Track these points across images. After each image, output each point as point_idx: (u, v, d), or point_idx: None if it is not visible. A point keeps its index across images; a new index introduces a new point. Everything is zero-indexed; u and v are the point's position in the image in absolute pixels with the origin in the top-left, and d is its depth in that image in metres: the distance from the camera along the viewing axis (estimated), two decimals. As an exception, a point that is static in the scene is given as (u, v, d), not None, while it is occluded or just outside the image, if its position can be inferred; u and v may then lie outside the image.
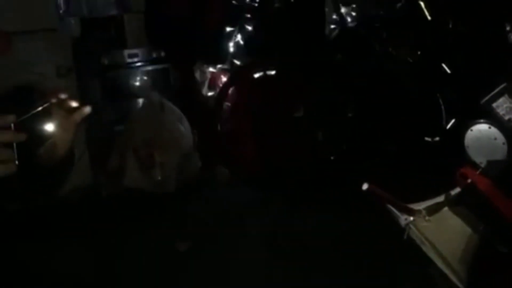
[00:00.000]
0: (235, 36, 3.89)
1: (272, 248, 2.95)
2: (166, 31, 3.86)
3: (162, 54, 3.90)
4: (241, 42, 3.90)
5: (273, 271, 2.75)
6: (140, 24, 3.76)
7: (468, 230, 1.50)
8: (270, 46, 3.83)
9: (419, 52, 3.47)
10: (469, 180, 1.51)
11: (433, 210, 1.53)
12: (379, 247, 2.72)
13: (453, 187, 1.62)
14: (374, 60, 3.64)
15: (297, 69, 3.80)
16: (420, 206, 1.54)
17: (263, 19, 3.90)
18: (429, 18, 3.33)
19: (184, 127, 3.75)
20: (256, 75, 3.79)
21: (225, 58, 3.93)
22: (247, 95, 3.79)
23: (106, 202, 3.58)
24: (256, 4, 3.91)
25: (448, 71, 3.27)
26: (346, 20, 3.82)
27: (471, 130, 1.55)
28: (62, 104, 1.16)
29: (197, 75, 3.97)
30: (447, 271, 1.51)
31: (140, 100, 3.83)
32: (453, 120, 3.23)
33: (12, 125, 1.03)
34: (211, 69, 3.97)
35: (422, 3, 3.32)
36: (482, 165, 1.56)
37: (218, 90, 3.90)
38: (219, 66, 3.95)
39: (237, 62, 3.89)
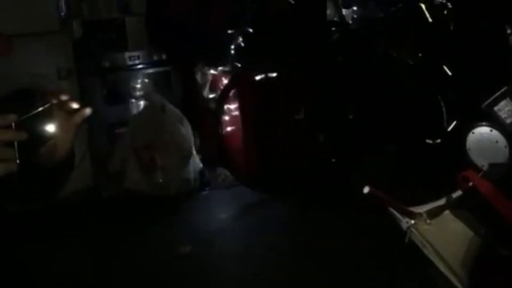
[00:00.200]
0: (236, 38, 3.89)
1: (273, 249, 2.95)
2: (167, 33, 3.86)
3: (164, 56, 3.90)
4: (242, 44, 3.90)
5: (274, 272, 2.75)
6: (141, 26, 3.76)
7: (470, 233, 1.49)
8: (271, 48, 3.82)
9: (420, 54, 3.47)
10: (470, 183, 1.51)
11: (434, 213, 1.52)
12: (380, 248, 2.72)
13: (454, 190, 1.62)
14: (375, 61, 3.64)
15: (298, 71, 3.80)
16: (421, 209, 1.54)
17: (264, 21, 3.90)
18: (430, 20, 3.33)
19: (185, 129, 3.75)
20: (257, 77, 3.78)
21: (226, 60, 3.93)
22: (248, 97, 3.78)
23: (106, 204, 3.58)
24: (257, 6, 3.92)
25: (449, 73, 3.27)
26: (347, 22, 3.82)
27: (473, 133, 1.55)
28: (63, 105, 1.16)
29: (198, 77, 3.97)
30: (448, 273, 1.51)
31: (141, 103, 3.83)
32: (454, 122, 3.23)
33: (13, 124, 1.04)
34: (212, 71, 3.96)
35: (423, 5, 3.32)
36: (484, 168, 1.55)
37: (219, 92, 3.90)
38: (220, 68, 3.95)
39: (238, 64, 3.89)
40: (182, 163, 3.68)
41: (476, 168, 1.55)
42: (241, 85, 3.82)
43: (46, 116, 1.13)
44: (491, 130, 1.50)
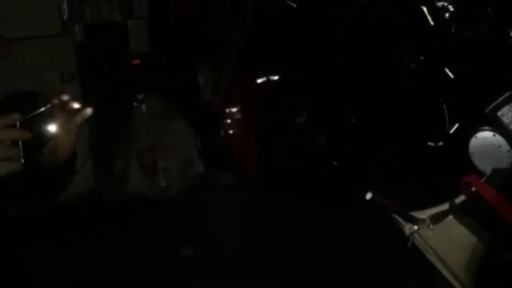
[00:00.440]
0: (238, 40, 3.89)
1: (275, 251, 2.96)
2: (170, 36, 3.87)
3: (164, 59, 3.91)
4: (244, 46, 3.91)
5: (275, 273, 2.76)
6: (143, 30, 3.77)
7: (473, 238, 1.49)
8: (273, 51, 3.83)
9: (421, 57, 3.47)
10: (473, 188, 1.51)
11: (437, 218, 1.52)
12: (382, 251, 2.73)
13: (457, 194, 1.61)
14: (376, 64, 3.64)
15: (300, 73, 3.80)
16: (424, 214, 1.54)
17: (266, 23, 3.90)
18: (431, 23, 3.33)
19: (187, 132, 3.75)
20: (259, 80, 3.79)
21: (228, 63, 3.93)
22: (250, 100, 3.79)
23: (108, 206, 3.58)
24: (259, 8, 3.92)
25: (451, 75, 3.27)
26: (349, 24, 3.82)
27: (476, 137, 1.54)
28: (64, 105, 1.17)
29: (200, 79, 3.97)
30: (451, 279, 1.51)
31: (144, 106, 3.84)
32: (456, 125, 3.23)
33: (18, 123, 1.05)
34: (214, 74, 3.97)
35: (424, 8, 3.32)
36: (487, 173, 1.55)
37: (221, 95, 3.90)
38: (222, 70, 3.95)
39: (240, 67, 3.90)
40: (184, 166, 3.69)
41: (479, 173, 1.54)
42: (243, 88, 3.83)
43: (48, 117, 1.13)
44: (494, 135, 1.49)
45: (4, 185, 1.07)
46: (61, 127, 1.17)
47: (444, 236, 1.51)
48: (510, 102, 1.41)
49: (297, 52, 3.76)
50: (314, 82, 3.76)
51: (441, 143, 3.33)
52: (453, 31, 3.30)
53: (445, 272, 1.54)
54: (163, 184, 3.60)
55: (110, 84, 3.71)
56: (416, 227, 1.51)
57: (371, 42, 3.64)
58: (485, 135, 1.52)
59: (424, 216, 1.53)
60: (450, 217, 1.54)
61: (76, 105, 1.19)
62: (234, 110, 3.84)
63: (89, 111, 1.19)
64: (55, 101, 1.16)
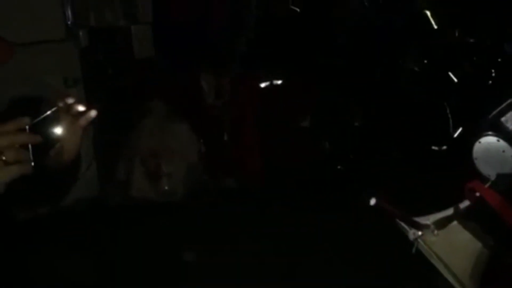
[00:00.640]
0: (241, 44, 3.90)
1: (278, 254, 2.96)
2: (174, 41, 3.88)
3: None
4: (247, 50, 3.91)
5: (278, 276, 2.76)
6: (147, 35, 3.78)
7: (478, 244, 1.48)
8: (276, 55, 3.83)
9: (425, 61, 3.47)
10: (478, 194, 1.50)
11: (441, 224, 1.52)
12: (386, 256, 2.72)
13: (461, 199, 1.61)
14: (380, 69, 3.64)
15: (303, 77, 3.80)
16: (429, 219, 1.53)
17: (269, 27, 3.91)
18: (435, 26, 3.33)
19: (191, 136, 3.76)
20: (263, 84, 3.79)
21: (232, 67, 3.94)
22: (254, 104, 3.79)
23: (112, 211, 3.59)
24: (262, 11, 3.93)
25: (455, 79, 3.27)
26: (353, 28, 3.82)
27: (479, 142, 1.54)
28: (69, 108, 1.18)
29: (203, 83, 3.98)
30: (456, 285, 1.50)
31: (147, 110, 3.84)
32: (460, 129, 3.23)
33: (27, 127, 1.06)
34: (217, 78, 3.97)
35: (428, 12, 3.32)
36: (491, 178, 1.54)
37: (224, 98, 3.91)
38: (225, 75, 3.96)
39: (244, 71, 3.90)
40: (188, 170, 3.69)
41: (483, 178, 1.54)
42: (246, 92, 3.83)
43: (54, 120, 1.15)
44: (498, 140, 1.49)
45: (13, 188, 1.09)
46: (67, 130, 1.18)
47: (448, 242, 1.51)
48: (514, 108, 1.41)
49: (300, 55, 3.77)
50: (317, 85, 3.76)
51: (445, 147, 3.32)
52: (456, 34, 3.30)
53: (449, 278, 1.53)
54: (166, 188, 3.61)
55: (114, 88, 3.72)
56: (420, 233, 1.50)
57: (374, 45, 3.64)
58: (489, 140, 1.52)
59: (428, 222, 1.52)
60: (455, 222, 1.53)
61: (80, 108, 1.20)
62: (237, 113, 3.85)
63: (93, 113, 1.21)
64: (60, 105, 1.17)
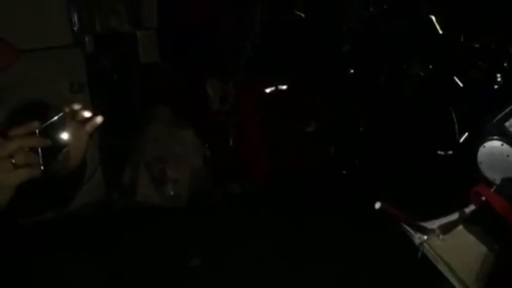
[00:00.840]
0: (247, 51, 3.91)
1: (284, 259, 2.96)
2: (179, 46, 3.89)
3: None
4: (253, 56, 3.92)
5: (284, 280, 2.76)
6: (152, 40, 3.79)
7: (483, 248, 1.48)
8: (282, 60, 3.84)
9: (430, 66, 3.47)
10: (483, 198, 1.50)
11: (447, 228, 1.51)
12: (391, 260, 2.72)
13: (467, 204, 1.60)
14: (385, 73, 3.64)
15: (309, 84, 3.81)
16: (434, 224, 1.53)
17: (275, 33, 3.92)
18: (440, 32, 3.33)
19: (196, 142, 3.77)
20: (268, 90, 3.80)
21: (237, 72, 3.95)
22: (259, 109, 3.80)
23: (118, 216, 3.60)
24: (268, 18, 3.94)
25: (461, 84, 3.27)
26: (359, 34, 3.83)
27: (484, 146, 1.53)
28: (75, 114, 1.19)
29: (209, 89, 3.99)
30: (462, 290, 1.50)
31: (152, 116, 3.86)
32: (466, 134, 3.22)
33: (37, 131, 1.08)
34: (222, 83, 3.98)
35: (433, 18, 3.33)
36: (496, 182, 1.54)
37: (229, 104, 3.92)
38: (230, 80, 3.97)
39: (249, 77, 3.91)
40: (193, 175, 3.70)
41: (488, 183, 1.53)
42: (251, 97, 3.84)
43: (61, 125, 1.16)
44: (502, 144, 1.49)
45: (20, 193, 1.10)
46: (73, 136, 1.19)
47: (454, 246, 1.50)
48: (517, 112, 1.40)
49: (306, 61, 3.77)
50: (323, 91, 3.77)
51: (450, 152, 3.32)
52: (461, 39, 3.30)
53: (455, 282, 1.52)
54: (172, 193, 3.61)
55: (120, 93, 3.73)
56: (425, 237, 1.50)
57: (380, 51, 3.64)
58: (493, 145, 1.51)
59: (433, 226, 1.52)
60: (460, 226, 1.53)
61: (87, 114, 1.21)
62: (242, 118, 3.86)
63: (99, 119, 1.22)
64: (67, 110, 1.18)
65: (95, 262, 3.12)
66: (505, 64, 2.99)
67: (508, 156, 1.48)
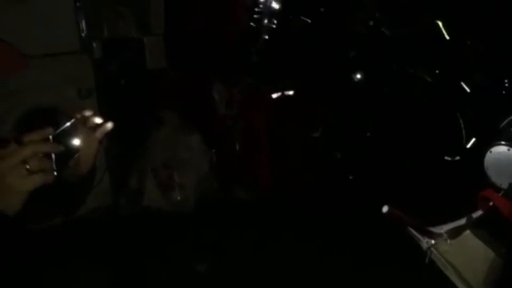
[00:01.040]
0: (253, 56, 3.92)
1: (291, 264, 2.96)
2: (186, 51, 3.91)
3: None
4: (259, 63, 3.93)
5: (289, 284, 2.76)
6: (160, 46, 3.81)
7: (491, 253, 1.48)
8: (288, 66, 3.85)
9: (437, 71, 3.46)
10: (490, 203, 1.50)
11: (454, 233, 1.51)
12: (399, 264, 2.71)
13: (474, 209, 1.61)
14: (392, 79, 3.64)
15: (315, 89, 3.81)
16: (442, 229, 1.53)
17: (281, 40, 3.93)
18: (447, 37, 3.33)
19: (202, 147, 3.78)
20: (274, 95, 3.80)
21: (243, 78, 3.96)
22: (265, 115, 3.80)
23: (125, 222, 3.60)
24: (274, 26, 3.95)
25: (468, 89, 3.26)
26: (364, 40, 3.83)
27: (490, 151, 1.54)
28: (86, 120, 1.20)
29: (215, 95, 4.00)
30: (469, 294, 1.50)
31: (159, 121, 3.87)
32: (473, 139, 3.21)
33: (51, 137, 1.09)
34: (229, 89, 4.00)
35: (440, 22, 3.33)
36: (503, 187, 1.54)
37: (235, 110, 3.93)
38: (237, 85, 3.98)
39: (255, 82, 3.92)
40: (199, 181, 3.70)
41: (496, 188, 1.53)
42: (257, 103, 3.85)
43: (72, 131, 1.17)
44: (508, 149, 1.49)
45: (33, 199, 1.10)
46: (84, 142, 1.21)
47: (461, 251, 1.50)
48: (524, 118, 1.40)
49: (312, 67, 3.78)
50: (329, 97, 3.77)
51: (457, 158, 3.31)
52: (468, 43, 3.30)
53: (462, 287, 1.52)
54: (178, 198, 3.62)
55: (127, 99, 3.75)
56: (433, 242, 1.50)
57: (386, 57, 3.64)
58: (500, 150, 1.52)
59: (441, 231, 1.52)
60: (468, 231, 1.53)
61: (98, 120, 1.22)
62: (248, 124, 3.86)
63: (110, 126, 1.23)
64: (78, 117, 1.19)
65: (103, 266, 3.12)
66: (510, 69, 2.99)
67: (514, 161, 1.49)
